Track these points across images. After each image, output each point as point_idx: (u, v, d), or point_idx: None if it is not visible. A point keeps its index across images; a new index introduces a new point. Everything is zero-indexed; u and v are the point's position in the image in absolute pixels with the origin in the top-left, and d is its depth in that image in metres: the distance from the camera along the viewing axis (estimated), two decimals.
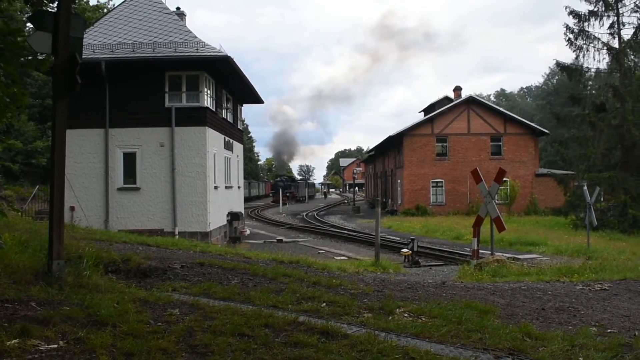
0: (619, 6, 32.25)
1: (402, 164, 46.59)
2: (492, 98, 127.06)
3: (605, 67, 33.68)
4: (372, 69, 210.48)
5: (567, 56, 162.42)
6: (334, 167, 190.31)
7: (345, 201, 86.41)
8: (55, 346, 4.43)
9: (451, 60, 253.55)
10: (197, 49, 23.19)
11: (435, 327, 5.76)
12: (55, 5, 7.14)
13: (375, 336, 5.19)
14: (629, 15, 32.77)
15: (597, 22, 32.90)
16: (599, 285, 9.51)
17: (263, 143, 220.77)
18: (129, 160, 23.46)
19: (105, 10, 44.95)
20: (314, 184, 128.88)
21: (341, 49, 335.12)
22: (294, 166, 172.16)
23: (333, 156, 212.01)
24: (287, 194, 74.77)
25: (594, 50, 32.95)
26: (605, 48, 32.69)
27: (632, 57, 32.96)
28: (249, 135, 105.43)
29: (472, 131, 45.88)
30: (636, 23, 32.11)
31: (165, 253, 10.72)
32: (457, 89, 49.79)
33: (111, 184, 23.31)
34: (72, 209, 22.01)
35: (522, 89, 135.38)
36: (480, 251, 15.68)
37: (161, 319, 5.51)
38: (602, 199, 31.44)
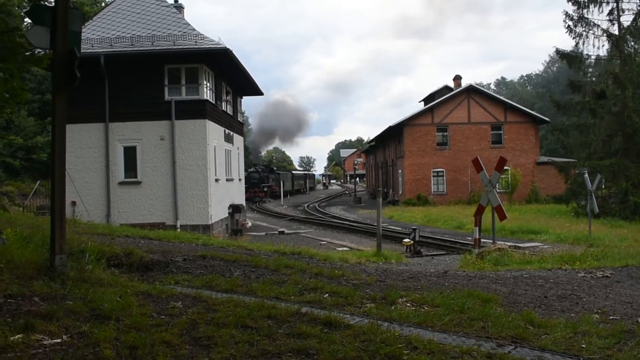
0: None
1: (403, 154, 46.55)
2: (493, 87, 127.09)
3: (605, 54, 33.57)
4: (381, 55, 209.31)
5: (567, 43, 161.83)
6: (334, 158, 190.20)
7: (347, 192, 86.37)
8: (59, 341, 4.45)
9: (452, 50, 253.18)
10: (195, 42, 23.13)
11: (437, 316, 5.78)
12: None
13: (378, 326, 5.21)
14: (628, 2, 32.74)
15: (596, 8, 32.76)
16: (601, 273, 9.51)
17: None
18: (130, 154, 23.46)
19: (103, 4, 44.80)
20: (314, 175, 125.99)
21: (342, 39, 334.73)
22: (294, 157, 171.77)
23: (334, 147, 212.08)
24: (265, 189, 61.01)
25: (594, 37, 32.86)
26: (604, 35, 32.56)
27: (632, 43, 32.78)
28: (249, 127, 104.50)
29: (473, 120, 45.80)
30: (636, 9, 31.97)
31: (167, 246, 10.73)
32: (457, 78, 49.63)
33: (112, 178, 23.32)
34: (73, 203, 22.03)
35: (522, 77, 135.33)
36: (482, 240, 15.70)
37: (164, 312, 5.53)
38: (603, 187, 31.37)
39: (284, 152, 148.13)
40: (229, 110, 29.55)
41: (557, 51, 35.16)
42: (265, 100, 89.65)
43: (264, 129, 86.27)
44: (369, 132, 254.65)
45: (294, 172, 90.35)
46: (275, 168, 74.65)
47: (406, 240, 19.83)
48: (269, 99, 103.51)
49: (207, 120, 23.47)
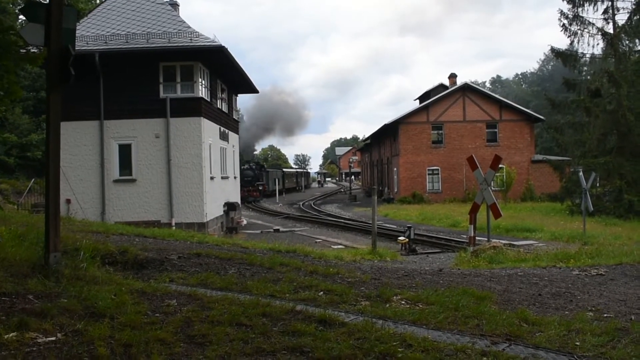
0: None
1: (398, 152, 46.59)
2: (488, 85, 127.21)
3: (600, 53, 33.66)
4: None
5: (562, 42, 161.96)
6: (330, 156, 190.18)
7: (342, 190, 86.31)
8: (53, 339, 4.44)
9: (447, 48, 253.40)
10: (191, 39, 23.08)
11: (432, 314, 5.79)
12: None
13: (373, 324, 5.21)
14: (623, 0, 32.72)
15: (591, 7, 32.85)
16: (595, 271, 9.54)
17: None
18: (125, 151, 23.40)
19: (98, 2, 44.63)
20: (309, 173, 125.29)
21: (339, 36, 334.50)
22: (290, 155, 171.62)
23: (329, 145, 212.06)
24: (260, 187, 57.70)
25: (589, 36, 32.92)
26: (599, 33, 32.64)
27: (627, 42, 32.87)
28: (245, 126, 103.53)
29: (468, 118, 45.85)
30: (630, 8, 32.06)
31: (162, 244, 10.71)
32: (452, 76, 49.70)
33: (107, 176, 23.26)
34: (68, 201, 21.96)
35: (517, 75, 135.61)
36: (477, 238, 15.72)
37: (159, 310, 5.52)
38: (597, 185, 31.48)
39: (279, 150, 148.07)
40: (224, 108, 29.51)
41: (552, 49, 35.19)
42: (261, 94, 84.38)
43: (261, 116, 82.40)
44: (365, 130, 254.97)
45: (285, 169, 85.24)
46: (265, 165, 71.65)
47: (401, 238, 19.83)
48: (265, 92, 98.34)
49: (202, 118, 23.44)
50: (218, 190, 26.70)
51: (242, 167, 52.55)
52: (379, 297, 6.68)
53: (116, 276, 7.07)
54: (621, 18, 32.50)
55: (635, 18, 31.62)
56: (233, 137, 31.73)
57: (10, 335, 4.37)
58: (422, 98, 52.67)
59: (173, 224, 22.56)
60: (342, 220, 32.89)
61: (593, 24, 32.75)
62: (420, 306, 6.27)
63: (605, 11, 32.50)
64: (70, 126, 22.12)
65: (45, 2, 6.75)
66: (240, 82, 30.71)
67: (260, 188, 57.55)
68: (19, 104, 38.30)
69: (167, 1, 27.57)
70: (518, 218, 27.70)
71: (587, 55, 33.73)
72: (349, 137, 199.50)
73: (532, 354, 4.67)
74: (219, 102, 27.87)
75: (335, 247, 20.50)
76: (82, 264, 6.93)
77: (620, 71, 31.26)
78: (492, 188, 15.79)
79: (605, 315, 6.23)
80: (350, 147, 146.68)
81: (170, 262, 8.60)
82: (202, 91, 23.87)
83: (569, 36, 33.40)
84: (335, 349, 4.46)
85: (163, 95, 23.27)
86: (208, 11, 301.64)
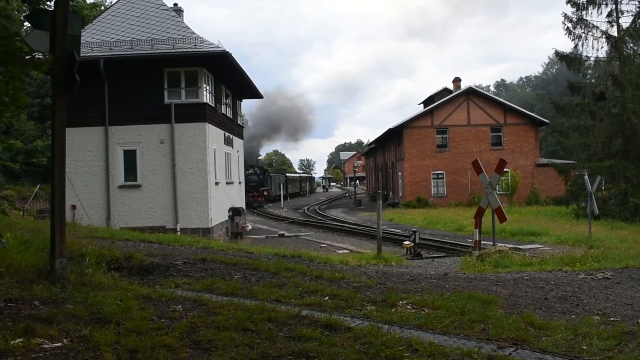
0: None
1: (403, 156, 46.56)
2: (492, 88, 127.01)
3: (604, 56, 33.60)
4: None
5: (567, 45, 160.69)
6: (334, 160, 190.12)
7: (347, 195, 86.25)
8: (59, 344, 4.44)
9: (452, 52, 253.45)
10: (195, 45, 23.14)
11: (438, 319, 5.77)
12: (52, 3, 7.12)
13: (379, 328, 5.20)
14: (627, 3, 32.74)
15: (595, 10, 32.77)
16: (602, 274, 9.51)
17: None
18: (130, 157, 23.46)
19: (102, 8, 44.81)
20: (313, 178, 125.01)
21: (342, 41, 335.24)
22: (294, 160, 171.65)
23: (334, 150, 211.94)
24: (265, 192, 57.06)
25: (593, 39, 32.85)
26: (604, 36, 32.57)
27: (631, 45, 32.81)
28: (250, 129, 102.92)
29: (472, 122, 45.81)
30: (635, 10, 31.98)
31: (168, 250, 10.72)
32: (457, 80, 49.67)
33: (112, 181, 23.31)
34: (73, 207, 22.02)
35: (521, 78, 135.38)
36: (482, 242, 15.68)
37: (164, 316, 5.52)
38: (603, 188, 31.37)
39: (283, 154, 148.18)
40: (229, 114, 29.56)
41: (557, 53, 35.15)
42: (266, 98, 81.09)
43: (265, 120, 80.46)
44: (369, 135, 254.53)
45: (288, 174, 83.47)
46: (268, 170, 70.86)
47: (406, 242, 19.79)
48: (269, 96, 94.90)
49: (206, 123, 23.48)
50: (223, 195, 26.73)
51: (247, 172, 50.59)
52: (384, 301, 6.67)
53: (122, 282, 7.08)
54: (625, 21, 32.41)
55: (639, 21, 31.56)
56: (237, 142, 31.77)
57: (17, 341, 4.37)
58: (426, 102, 52.64)
59: (178, 229, 22.58)
60: (347, 225, 32.87)
61: (597, 27, 32.71)
62: (426, 311, 6.26)
63: (609, 14, 32.43)
64: (76, 132, 22.18)
65: (50, 9, 6.78)
66: (244, 88, 30.78)
67: (265, 193, 57.08)
68: (25, 110, 38.43)
69: (171, 7, 27.66)
70: (523, 222, 27.64)
71: (592, 59, 33.70)
72: (353, 141, 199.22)
73: (539, 358, 4.66)
74: (223, 107, 27.93)
75: (341, 251, 20.47)
76: (88, 270, 6.93)
77: (624, 74, 31.19)
78: (497, 192, 15.75)
79: (611, 319, 6.20)
80: (355, 152, 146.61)
81: (176, 267, 8.60)
82: (206, 97, 23.92)
83: (573, 39, 33.40)
84: (341, 354, 4.45)
85: (168, 101, 23.33)
86: (212, 17, 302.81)
